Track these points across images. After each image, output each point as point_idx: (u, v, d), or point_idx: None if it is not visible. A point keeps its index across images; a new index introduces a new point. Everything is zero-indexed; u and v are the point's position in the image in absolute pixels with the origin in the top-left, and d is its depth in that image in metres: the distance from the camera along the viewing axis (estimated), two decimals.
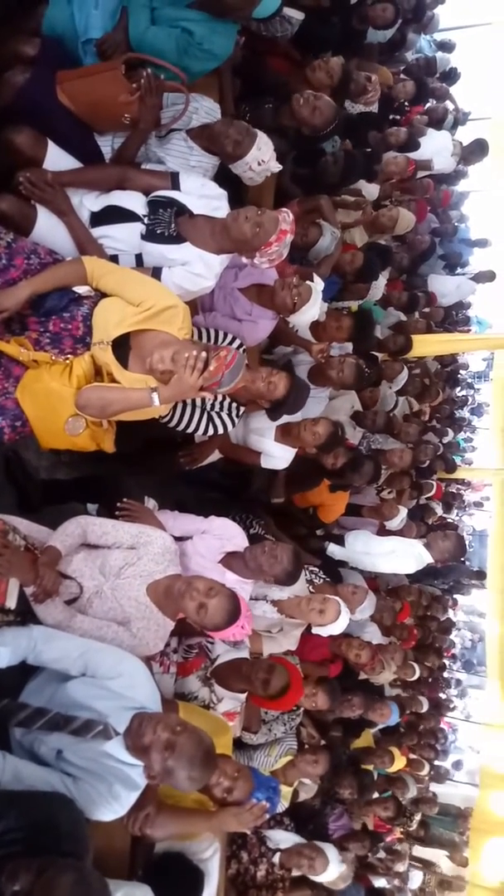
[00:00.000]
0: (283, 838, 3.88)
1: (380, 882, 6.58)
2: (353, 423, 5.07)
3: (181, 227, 2.69)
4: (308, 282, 3.38)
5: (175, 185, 2.73)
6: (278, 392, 3.18)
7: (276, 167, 2.96)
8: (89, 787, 2.09)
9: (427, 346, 6.39)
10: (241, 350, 2.91)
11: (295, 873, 3.85)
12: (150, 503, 3.07)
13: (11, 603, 2.24)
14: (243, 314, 3.35)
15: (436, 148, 6.49)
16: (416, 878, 7.59)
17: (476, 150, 7.37)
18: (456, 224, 9.19)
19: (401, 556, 4.42)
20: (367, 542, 4.62)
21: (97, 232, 2.65)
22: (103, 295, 2.55)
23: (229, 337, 3.16)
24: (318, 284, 3.45)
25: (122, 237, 2.66)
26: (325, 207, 4.32)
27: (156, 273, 2.68)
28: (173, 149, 2.84)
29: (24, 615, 2.30)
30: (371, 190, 5.42)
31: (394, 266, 5.90)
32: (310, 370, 4.02)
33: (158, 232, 2.66)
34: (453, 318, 9.79)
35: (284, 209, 2.90)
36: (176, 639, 3.03)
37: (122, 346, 2.47)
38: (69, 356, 2.47)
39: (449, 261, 8.92)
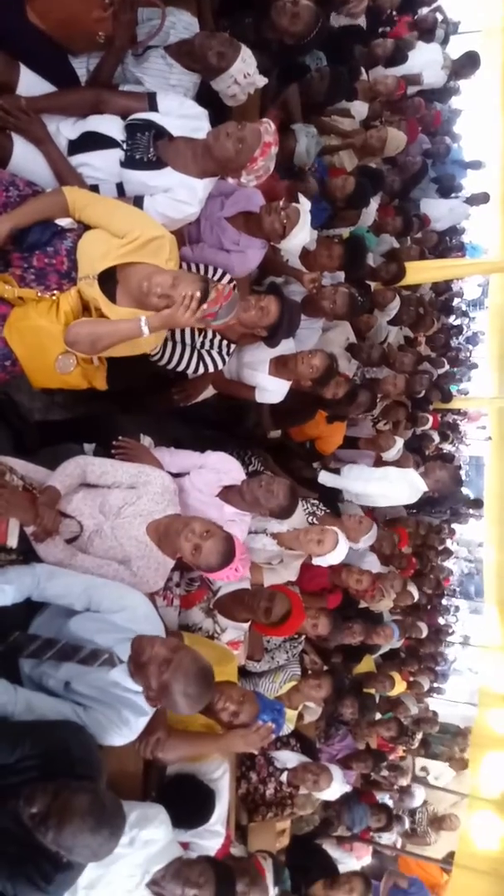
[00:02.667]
0: (290, 758, 4.05)
1: (384, 798, 6.89)
2: (348, 354, 5.01)
3: (161, 150, 2.58)
4: (295, 204, 3.27)
5: (152, 107, 2.60)
6: (271, 316, 3.13)
7: (262, 80, 2.80)
8: (99, 714, 2.16)
9: (421, 272, 6.25)
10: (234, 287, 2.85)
11: (302, 791, 4.04)
12: (146, 440, 3.06)
13: (13, 542, 2.26)
14: (231, 244, 3.24)
15: (425, 61, 6.21)
16: (418, 796, 7.92)
17: (467, 64, 7.02)
18: (448, 144, 8.88)
19: (394, 481, 4.38)
20: (361, 470, 4.62)
21: (75, 160, 2.54)
22: (87, 227, 2.47)
23: (219, 272, 3.08)
24: (305, 205, 3.34)
25: (101, 165, 2.55)
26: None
27: (137, 202, 2.58)
28: (151, 67, 2.70)
29: (27, 555, 2.32)
30: (359, 109, 5.20)
31: (385, 190, 5.71)
32: (302, 301, 3.94)
33: (137, 157, 2.55)
34: (447, 245, 9.57)
35: (265, 119, 2.77)
36: (178, 572, 3.06)
37: (109, 280, 2.40)
38: (55, 292, 2.41)
39: (442, 183, 8.62)
